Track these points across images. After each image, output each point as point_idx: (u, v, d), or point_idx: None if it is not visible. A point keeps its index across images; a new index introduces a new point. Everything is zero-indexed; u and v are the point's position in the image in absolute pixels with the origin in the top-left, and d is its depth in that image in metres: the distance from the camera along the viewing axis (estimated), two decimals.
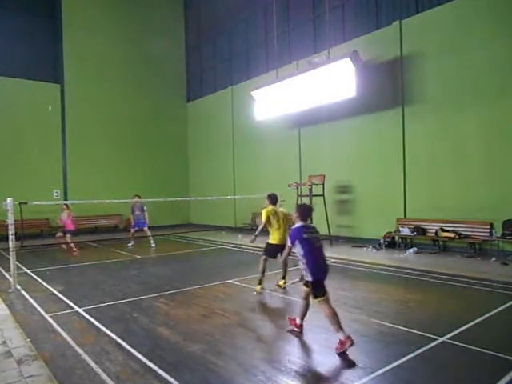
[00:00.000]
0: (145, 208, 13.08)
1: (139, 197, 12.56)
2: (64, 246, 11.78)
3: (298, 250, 4.47)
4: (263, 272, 6.75)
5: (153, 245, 12.74)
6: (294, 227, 4.64)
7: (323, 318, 5.31)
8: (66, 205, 12.02)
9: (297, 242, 4.46)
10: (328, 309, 4.26)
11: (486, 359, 3.97)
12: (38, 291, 7.13)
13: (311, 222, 5.02)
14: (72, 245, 11.52)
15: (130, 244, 13.02)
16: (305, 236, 4.46)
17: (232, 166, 17.84)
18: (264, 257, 6.82)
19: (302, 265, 4.42)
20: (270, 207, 6.95)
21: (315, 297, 4.33)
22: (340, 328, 4.16)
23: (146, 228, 12.97)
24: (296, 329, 4.78)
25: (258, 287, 6.71)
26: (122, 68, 18.65)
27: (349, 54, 11.17)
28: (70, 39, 17.22)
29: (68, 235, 11.63)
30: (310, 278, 4.35)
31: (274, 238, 6.84)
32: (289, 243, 4.61)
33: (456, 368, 3.86)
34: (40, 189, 15.84)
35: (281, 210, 7.11)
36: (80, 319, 5.48)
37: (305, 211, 4.75)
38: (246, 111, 15.99)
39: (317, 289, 4.32)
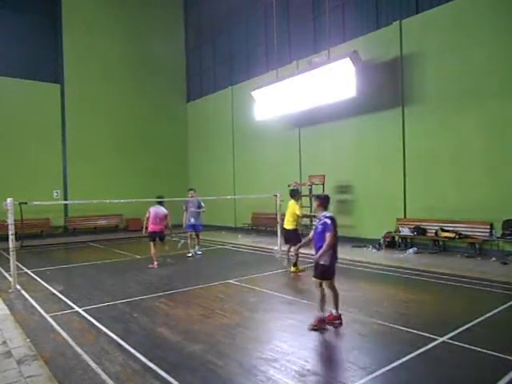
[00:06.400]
0: (203, 205, 10.82)
1: (194, 191, 11.05)
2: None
3: None
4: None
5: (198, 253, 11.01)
6: None
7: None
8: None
9: None
10: None
11: (485, 359, 3.97)
12: (38, 291, 7.13)
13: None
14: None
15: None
16: None
17: (232, 165, 17.84)
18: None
19: None
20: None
21: None
22: None
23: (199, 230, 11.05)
24: None
25: (293, 268, 8.29)
26: (122, 68, 18.68)
27: (349, 53, 11.17)
28: (70, 39, 17.25)
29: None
30: None
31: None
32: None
33: (456, 368, 3.86)
34: (40, 189, 15.86)
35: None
36: (80, 319, 5.48)
37: None
38: (246, 111, 15.99)
39: None
